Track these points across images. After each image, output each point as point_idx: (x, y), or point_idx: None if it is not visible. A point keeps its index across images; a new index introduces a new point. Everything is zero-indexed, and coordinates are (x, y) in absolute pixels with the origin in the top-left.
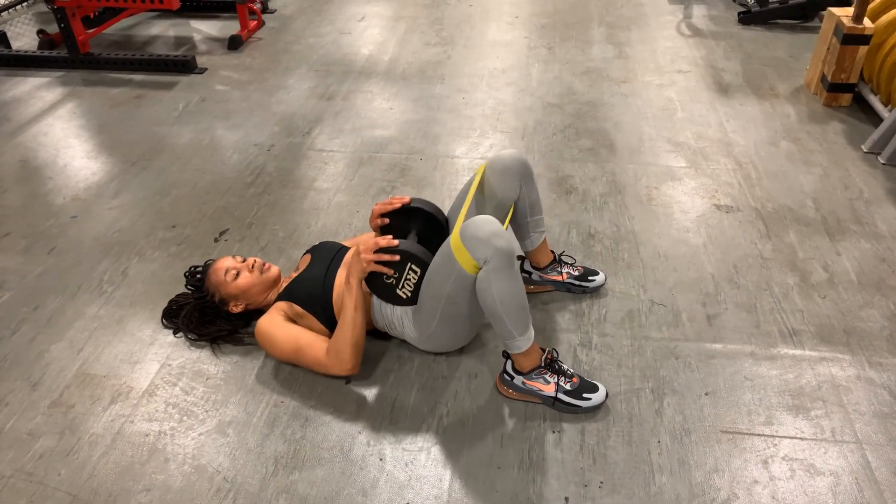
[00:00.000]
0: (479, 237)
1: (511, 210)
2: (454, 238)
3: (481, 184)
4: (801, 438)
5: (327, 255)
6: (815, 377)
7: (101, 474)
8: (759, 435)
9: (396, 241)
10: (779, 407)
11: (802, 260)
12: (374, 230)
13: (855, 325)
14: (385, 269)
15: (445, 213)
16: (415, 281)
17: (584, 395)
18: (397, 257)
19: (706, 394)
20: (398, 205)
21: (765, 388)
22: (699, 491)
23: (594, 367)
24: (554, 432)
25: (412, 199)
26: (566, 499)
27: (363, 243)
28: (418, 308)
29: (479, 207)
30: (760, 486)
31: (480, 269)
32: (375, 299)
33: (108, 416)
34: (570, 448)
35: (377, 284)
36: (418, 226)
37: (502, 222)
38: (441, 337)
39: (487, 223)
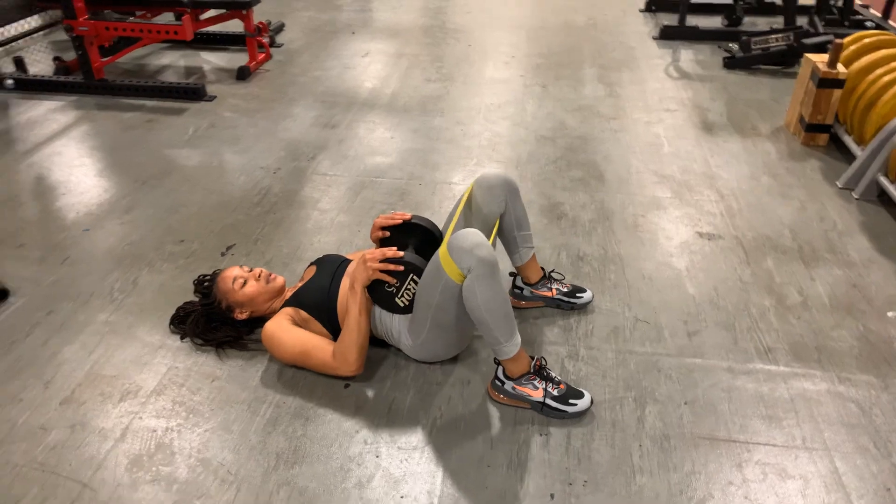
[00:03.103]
0: (463, 247)
1: (497, 224)
2: (442, 249)
3: (469, 199)
4: (773, 445)
5: (332, 266)
6: (787, 390)
7: (110, 465)
8: (734, 441)
9: (402, 253)
10: (753, 416)
11: (779, 284)
12: (374, 241)
13: (826, 344)
14: (388, 278)
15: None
16: (413, 291)
17: (571, 401)
18: (402, 268)
19: (685, 403)
20: (399, 220)
21: (741, 399)
22: (677, 490)
23: (581, 376)
24: (541, 435)
25: (413, 216)
26: (552, 495)
27: (369, 252)
28: (412, 317)
29: (467, 221)
30: (734, 487)
31: (465, 277)
32: (376, 309)
33: (118, 413)
34: (557, 450)
35: (378, 292)
36: (416, 241)
37: (489, 236)
38: (432, 344)
39: (471, 234)
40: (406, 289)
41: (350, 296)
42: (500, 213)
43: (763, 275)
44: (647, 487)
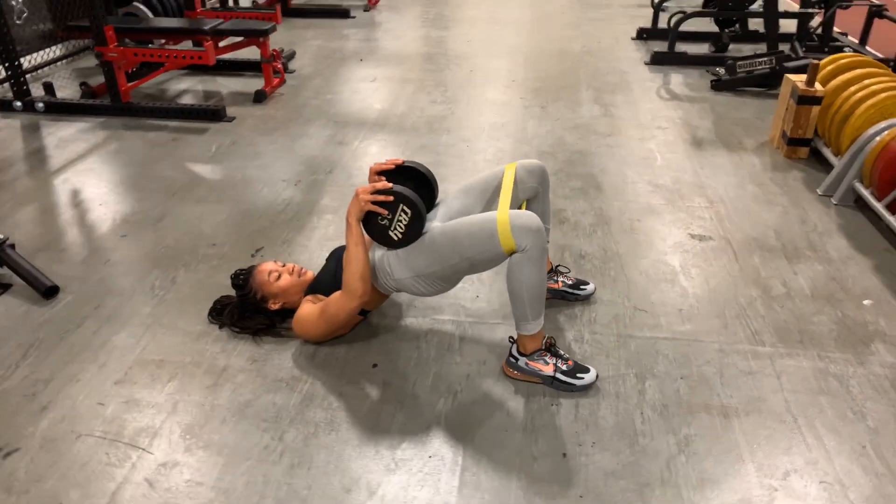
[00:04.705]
0: (529, 228)
1: (524, 205)
2: (501, 220)
3: (514, 179)
4: (760, 412)
5: (336, 253)
6: (773, 367)
7: (164, 433)
8: (726, 408)
9: (391, 185)
10: (743, 387)
11: (765, 278)
12: None
13: (808, 328)
14: (380, 210)
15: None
16: (405, 223)
17: (578, 375)
18: (391, 198)
19: (681, 378)
20: (392, 165)
21: (731, 374)
22: (676, 450)
23: (586, 356)
24: (552, 405)
25: (405, 161)
26: (564, 454)
27: (360, 187)
28: (423, 251)
29: (494, 196)
30: (726, 447)
31: (515, 252)
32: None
33: (168, 390)
34: (567, 417)
35: (372, 224)
36: (412, 184)
37: None
38: (433, 283)
39: (536, 219)
40: (398, 220)
41: (346, 231)
42: (528, 198)
43: (750, 270)
44: (649, 447)
